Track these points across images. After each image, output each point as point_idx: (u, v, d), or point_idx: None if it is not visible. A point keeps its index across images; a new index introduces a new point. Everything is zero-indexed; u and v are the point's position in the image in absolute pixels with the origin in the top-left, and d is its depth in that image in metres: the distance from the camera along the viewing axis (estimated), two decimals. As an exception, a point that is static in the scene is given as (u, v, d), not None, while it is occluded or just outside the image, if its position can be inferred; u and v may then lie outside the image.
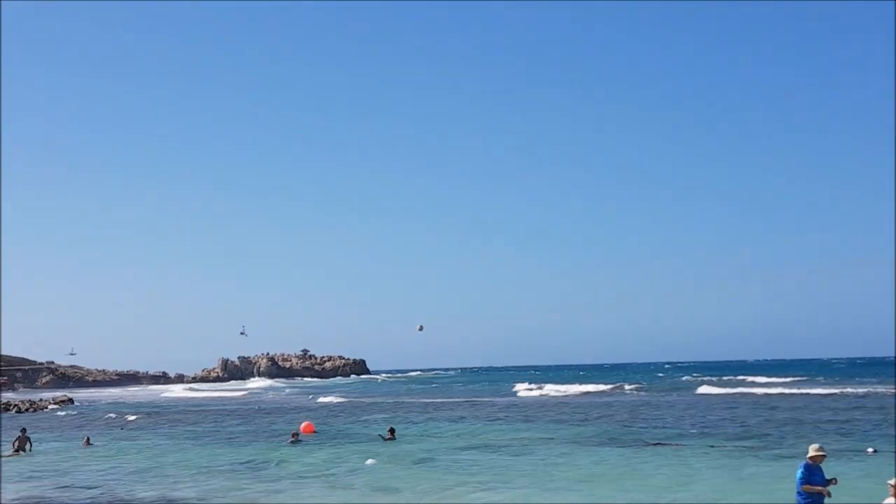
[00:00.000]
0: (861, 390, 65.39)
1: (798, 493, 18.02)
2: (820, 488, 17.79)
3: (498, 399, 72.56)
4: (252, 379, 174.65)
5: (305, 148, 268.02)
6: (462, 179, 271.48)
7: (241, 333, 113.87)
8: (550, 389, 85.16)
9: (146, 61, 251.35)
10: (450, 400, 72.80)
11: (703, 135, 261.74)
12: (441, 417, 49.77)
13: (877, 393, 61.51)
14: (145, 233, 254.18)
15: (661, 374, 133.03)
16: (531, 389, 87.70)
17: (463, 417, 49.11)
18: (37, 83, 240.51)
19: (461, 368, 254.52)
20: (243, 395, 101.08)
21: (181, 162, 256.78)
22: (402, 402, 72.53)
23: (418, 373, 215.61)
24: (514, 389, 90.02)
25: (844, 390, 65.96)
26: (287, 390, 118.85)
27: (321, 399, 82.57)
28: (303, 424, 41.14)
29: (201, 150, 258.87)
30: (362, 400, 79.36)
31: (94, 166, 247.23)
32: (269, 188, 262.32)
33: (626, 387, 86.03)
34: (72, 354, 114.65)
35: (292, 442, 36.40)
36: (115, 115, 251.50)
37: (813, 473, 17.91)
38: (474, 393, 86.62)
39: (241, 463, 29.70)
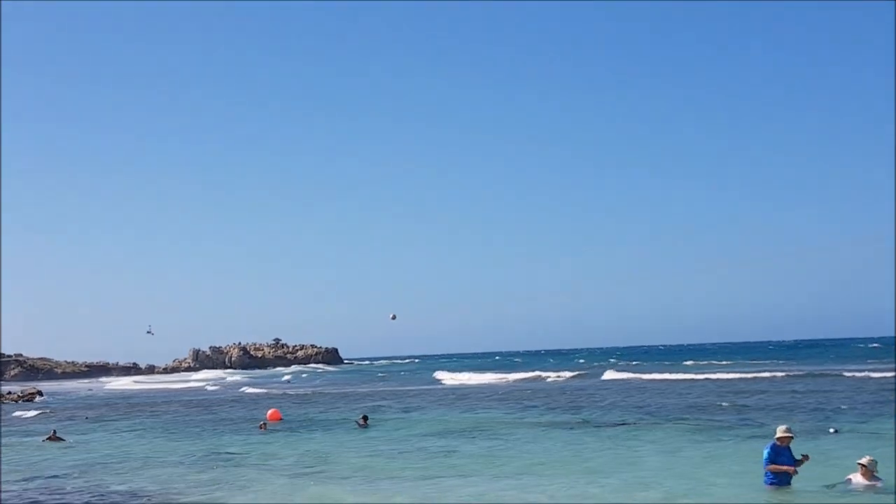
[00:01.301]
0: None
1: (765, 472, 18.30)
2: (786, 467, 18.05)
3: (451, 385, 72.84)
4: (207, 371, 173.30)
5: (273, 135, 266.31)
6: (432, 162, 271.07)
7: (148, 332, 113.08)
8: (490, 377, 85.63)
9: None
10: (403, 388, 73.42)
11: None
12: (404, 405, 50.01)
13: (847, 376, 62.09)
14: (112, 223, 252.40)
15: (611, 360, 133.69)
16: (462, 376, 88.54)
17: (421, 406, 49.35)
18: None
19: (438, 355, 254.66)
20: (184, 387, 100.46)
21: (151, 152, 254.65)
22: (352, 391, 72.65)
23: (384, 361, 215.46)
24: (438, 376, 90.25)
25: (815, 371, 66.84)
26: (228, 379, 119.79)
27: (248, 390, 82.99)
28: (269, 412, 41.10)
29: (167, 140, 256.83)
30: (322, 390, 79.51)
31: (70, 157, 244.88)
32: (235, 176, 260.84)
33: (564, 373, 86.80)
34: (149, 332, 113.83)
35: (261, 429, 36.39)
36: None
37: (779, 454, 18.28)
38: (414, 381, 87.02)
39: (211, 452, 29.61)
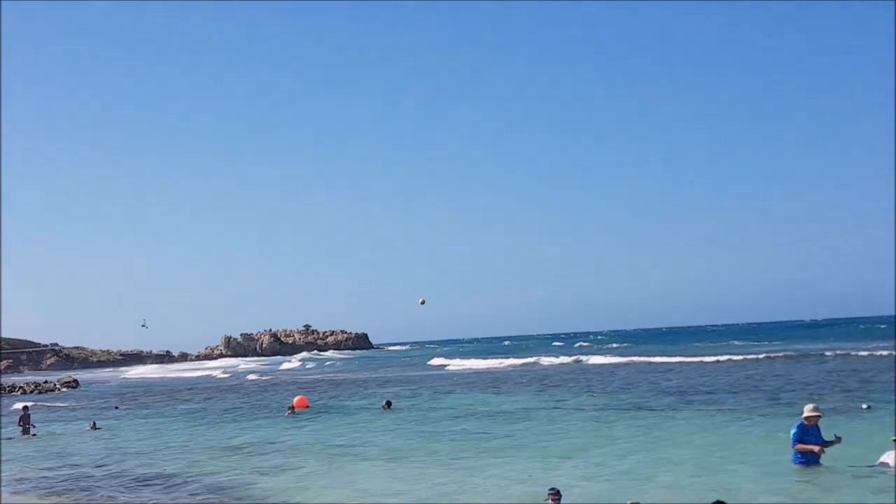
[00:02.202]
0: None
1: (793, 452, 18.27)
2: (812, 447, 17.97)
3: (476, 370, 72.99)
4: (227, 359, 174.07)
5: (304, 119, 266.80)
6: (459, 151, 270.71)
7: (143, 326, 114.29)
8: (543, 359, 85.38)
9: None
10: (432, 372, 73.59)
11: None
12: (434, 389, 50.31)
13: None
14: (145, 213, 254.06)
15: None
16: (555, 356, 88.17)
17: (448, 389, 49.67)
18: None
19: (471, 339, 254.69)
20: (199, 375, 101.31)
21: (176, 136, 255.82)
22: (383, 377, 72.99)
23: (407, 346, 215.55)
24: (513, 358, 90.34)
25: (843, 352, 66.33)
26: (241, 366, 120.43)
27: (251, 377, 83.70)
28: (296, 399, 41.51)
29: (195, 124, 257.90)
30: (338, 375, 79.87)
31: (95, 144, 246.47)
32: (267, 163, 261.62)
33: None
34: (143, 326, 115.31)
35: (289, 415, 36.77)
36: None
37: (807, 433, 18.15)
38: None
39: (238, 437, 30.17)
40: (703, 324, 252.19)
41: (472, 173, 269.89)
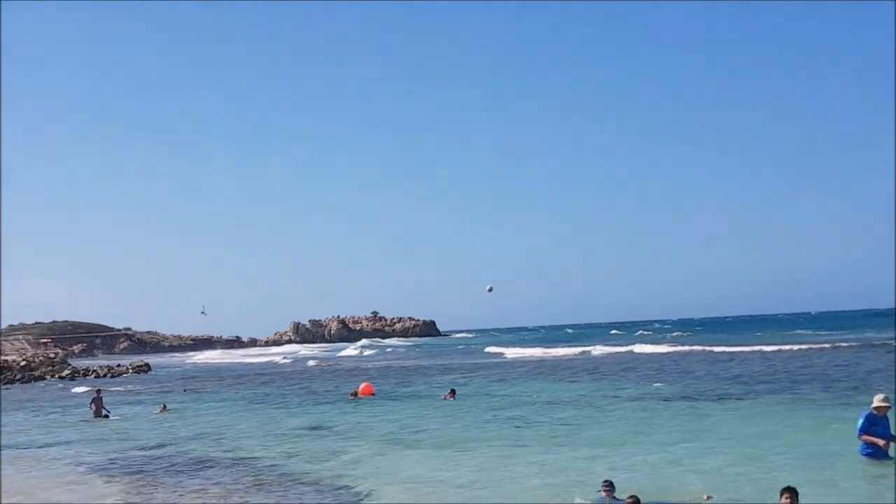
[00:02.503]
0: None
1: (860, 443, 17.75)
2: (876, 440, 17.52)
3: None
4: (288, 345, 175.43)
5: (372, 108, 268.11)
6: (521, 141, 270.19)
7: (202, 313, 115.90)
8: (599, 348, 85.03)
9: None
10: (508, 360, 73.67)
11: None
12: (490, 377, 50.58)
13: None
14: (214, 197, 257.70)
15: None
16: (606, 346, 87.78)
17: (520, 376, 49.79)
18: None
19: (538, 327, 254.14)
20: (263, 361, 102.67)
21: (245, 118, 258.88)
22: (457, 363, 73.24)
23: (472, 334, 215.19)
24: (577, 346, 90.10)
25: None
26: (302, 352, 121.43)
27: (311, 363, 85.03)
28: (362, 386, 41.83)
29: (266, 108, 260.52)
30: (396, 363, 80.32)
31: (169, 128, 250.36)
32: (335, 149, 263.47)
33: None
34: (203, 313, 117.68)
35: (351, 399, 37.29)
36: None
37: (874, 424, 17.58)
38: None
39: (303, 423, 30.83)
40: (774, 312, 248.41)
41: (538, 162, 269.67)
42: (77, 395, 50.58)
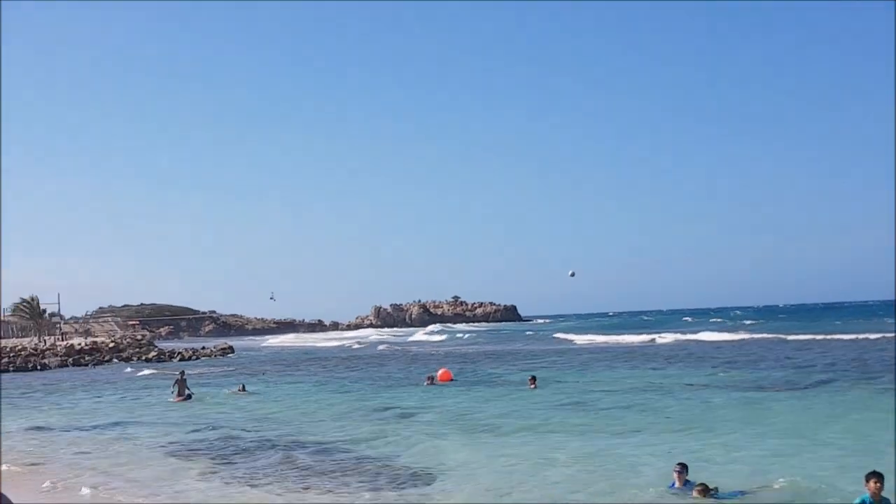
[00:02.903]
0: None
1: None
2: None
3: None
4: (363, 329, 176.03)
5: (456, 93, 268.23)
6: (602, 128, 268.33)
7: (271, 298, 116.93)
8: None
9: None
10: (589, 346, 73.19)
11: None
12: (571, 363, 50.13)
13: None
14: (301, 184, 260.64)
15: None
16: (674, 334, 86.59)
17: (606, 364, 49.28)
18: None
19: (619, 312, 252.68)
20: (335, 345, 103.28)
21: (333, 108, 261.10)
22: (539, 349, 72.90)
23: (547, 320, 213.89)
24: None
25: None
26: (373, 336, 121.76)
27: (381, 347, 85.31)
28: (440, 372, 41.68)
29: (359, 100, 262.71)
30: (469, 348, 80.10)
31: (255, 114, 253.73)
32: (416, 137, 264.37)
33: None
34: (272, 299, 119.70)
35: (428, 384, 37.16)
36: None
37: None
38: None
39: (380, 406, 30.88)
40: (864, 299, 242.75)
41: (620, 149, 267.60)
42: (146, 377, 52.01)
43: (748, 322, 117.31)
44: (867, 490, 12.70)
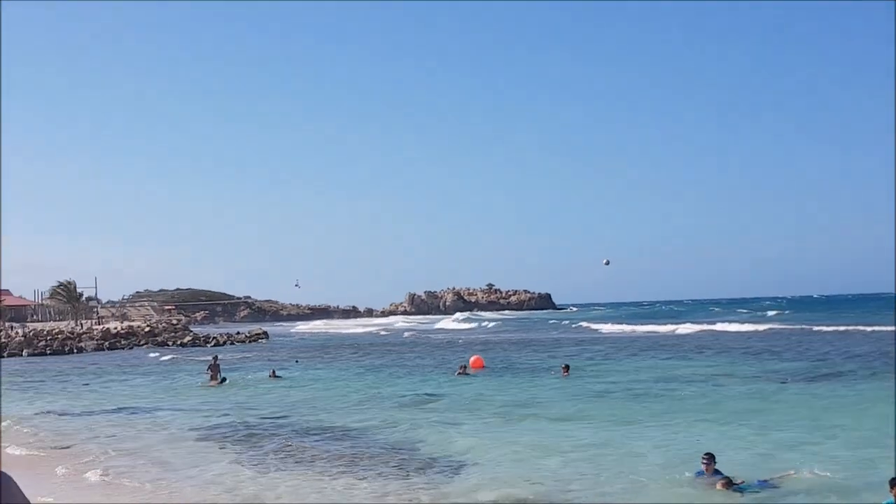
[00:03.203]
0: None
1: None
2: None
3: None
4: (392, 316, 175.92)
5: (492, 80, 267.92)
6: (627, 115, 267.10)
7: (296, 286, 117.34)
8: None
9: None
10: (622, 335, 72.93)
11: None
12: (618, 353, 49.82)
13: None
14: (337, 171, 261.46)
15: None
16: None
17: (635, 353, 49.02)
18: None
19: (655, 301, 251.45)
20: (363, 332, 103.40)
21: (368, 95, 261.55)
22: (568, 337, 72.55)
23: (573, 308, 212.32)
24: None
25: None
26: (398, 324, 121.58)
27: (406, 335, 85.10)
28: (472, 359, 41.50)
29: (394, 86, 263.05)
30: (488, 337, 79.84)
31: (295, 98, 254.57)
32: (455, 130, 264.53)
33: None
34: (297, 287, 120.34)
35: (460, 374, 37.01)
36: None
37: None
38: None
39: (412, 393, 30.90)
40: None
41: (655, 136, 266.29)
42: (171, 361, 52.58)
43: (774, 313, 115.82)
44: (892, 496, 12.47)
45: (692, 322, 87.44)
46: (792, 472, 15.61)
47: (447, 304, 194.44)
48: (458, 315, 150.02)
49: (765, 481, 15.08)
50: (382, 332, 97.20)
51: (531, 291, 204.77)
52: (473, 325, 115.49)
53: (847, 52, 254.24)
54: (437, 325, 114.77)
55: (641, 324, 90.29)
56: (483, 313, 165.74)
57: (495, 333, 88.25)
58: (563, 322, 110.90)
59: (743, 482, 14.90)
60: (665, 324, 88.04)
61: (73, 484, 16.89)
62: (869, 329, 62.48)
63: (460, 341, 69.86)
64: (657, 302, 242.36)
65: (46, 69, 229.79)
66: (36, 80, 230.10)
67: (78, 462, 19.01)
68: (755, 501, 14.44)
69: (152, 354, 59.76)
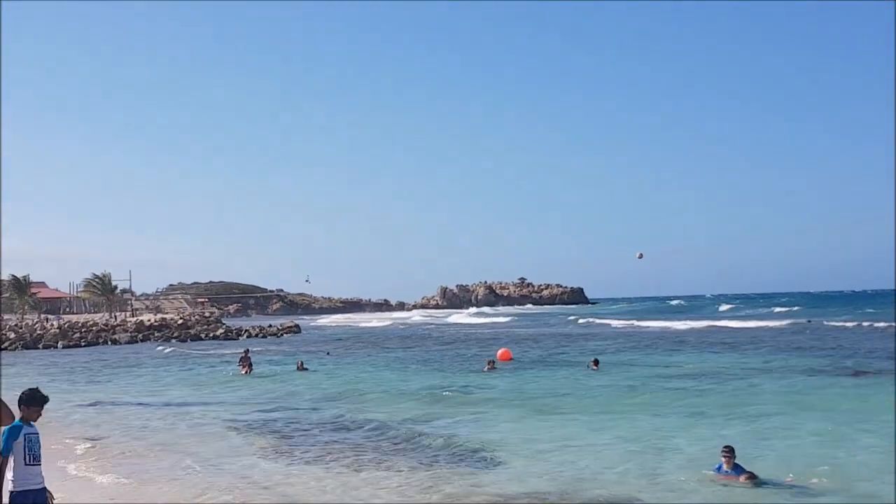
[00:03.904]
0: None
1: None
2: None
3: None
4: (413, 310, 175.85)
5: (527, 79, 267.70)
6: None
7: (306, 281, 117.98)
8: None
9: None
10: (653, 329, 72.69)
11: None
12: (649, 347, 49.71)
13: None
14: (369, 165, 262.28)
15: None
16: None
17: (666, 347, 48.85)
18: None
19: (686, 296, 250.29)
20: (385, 325, 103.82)
21: (404, 88, 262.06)
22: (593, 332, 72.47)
23: (593, 304, 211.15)
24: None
25: None
26: (415, 317, 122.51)
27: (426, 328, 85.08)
28: (500, 351, 41.47)
29: (431, 79, 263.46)
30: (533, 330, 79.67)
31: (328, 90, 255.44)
32: (488, 125, 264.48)
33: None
34: (307, 282, 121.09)
35: (489, 370, 37.00)
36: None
37: None
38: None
39: (440, 387, 30.96)
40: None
41: (686, 133, 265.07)
42: (188, 354, 53.02)
43: (776, 310, 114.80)
44: None
45: (728, 318, 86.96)
46: (820, 471, 15.50)
47: (478, 297, 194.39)
48: (471, 309, 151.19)
49: (788, 479, 15.01)
50: (400, 326, 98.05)
51: (563, 285, 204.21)
52: (483, 319, 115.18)
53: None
54: (448, 320, 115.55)
55: (654, 319, 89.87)
56: (503, 308, 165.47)
57: (510, 328, 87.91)
58: (566, 319, 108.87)
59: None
60: (694, 318, 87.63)
61: (100, 477, 17.08)
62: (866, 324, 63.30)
63: (483, 334, 70.06)
64: (690, 296, 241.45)
65: (91, 65, 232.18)
66: (74, 72, 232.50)
67: (107, 454, 19.27)
68: (781, 500, 14.33)
69: (167, 350, 60.08)
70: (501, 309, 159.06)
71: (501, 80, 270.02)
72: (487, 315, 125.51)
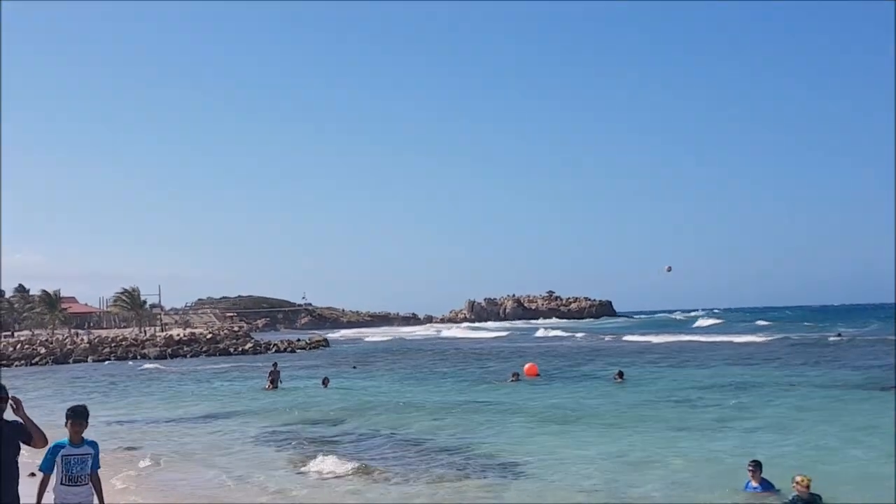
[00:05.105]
0: None
1: None
2: None
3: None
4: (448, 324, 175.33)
5: (553, 97, 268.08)
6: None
7: (303, 298, 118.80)
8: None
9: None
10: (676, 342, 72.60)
11: None
12: (672, 361, 49.52)
13: None
14: (397, 178, 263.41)
15: None
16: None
17: (689, 361, 48.69)
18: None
19: (715, 309, 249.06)
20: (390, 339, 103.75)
21: (430, 106, 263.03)
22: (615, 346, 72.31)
23: (633, 316, 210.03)
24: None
25: None
26: (445, 332, 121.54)
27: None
28: (526, 366, 41.39)
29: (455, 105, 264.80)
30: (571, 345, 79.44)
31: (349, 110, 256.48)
32: (508, 133, 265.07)
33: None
34: (303, 299, 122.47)
35: (513, 381, 36.98)
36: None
37: None
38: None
39: (465, 400, 30.97)
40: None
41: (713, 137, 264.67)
42: (219, 369, 52.86)
43: (762, 322, 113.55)
44: None
45: (758, 333, 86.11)
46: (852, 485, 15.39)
47: (507, 311, 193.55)
48: (465, 324, 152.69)
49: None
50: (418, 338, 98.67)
51: (591, 299, 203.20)
52: (479, 334, 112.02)
53: None
54: (444, 334, 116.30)
55: (659, 333, 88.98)
56: (536, 321, 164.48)
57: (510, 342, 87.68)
58: (555, 335, 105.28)
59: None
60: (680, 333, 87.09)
61: (131, 488, 17.24)
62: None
63: (502, 349, 70.25)
64: (724, 309, 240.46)
65: (112, 79, 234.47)
66: (100, 86, 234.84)
67: (137, 467, 19.47)
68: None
69: (146, 365, 59.75)
70: (493, 324, 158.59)
71: (532, 97, 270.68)
72: (479, 330, 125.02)
